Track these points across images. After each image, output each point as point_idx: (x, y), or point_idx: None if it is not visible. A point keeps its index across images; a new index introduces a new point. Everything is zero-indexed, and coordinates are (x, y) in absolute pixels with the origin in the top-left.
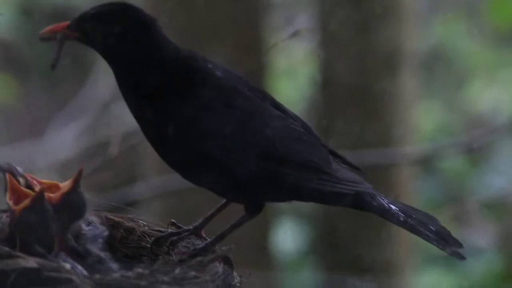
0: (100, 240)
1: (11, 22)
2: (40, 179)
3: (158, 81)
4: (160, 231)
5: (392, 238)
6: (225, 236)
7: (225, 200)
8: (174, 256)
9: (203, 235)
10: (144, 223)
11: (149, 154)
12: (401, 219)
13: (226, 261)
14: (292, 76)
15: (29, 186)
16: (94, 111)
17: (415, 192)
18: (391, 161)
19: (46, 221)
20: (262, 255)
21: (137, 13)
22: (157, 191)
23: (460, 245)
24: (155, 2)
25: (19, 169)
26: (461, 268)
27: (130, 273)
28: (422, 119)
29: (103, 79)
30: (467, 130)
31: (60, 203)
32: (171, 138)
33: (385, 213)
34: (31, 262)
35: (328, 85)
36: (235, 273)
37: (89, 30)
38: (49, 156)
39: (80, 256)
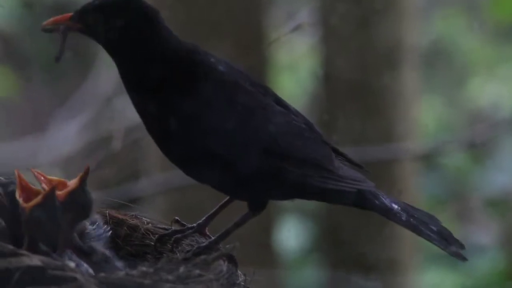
0: (104, 240)
1: (12, 14)
2: (47, 176)
3: (160, 74)
4: (164, 229)
5: (396, 236)
6: (229, 234)
7: (228, 197)
8: (178, 254)
9: (207, 232)
10: (148, 220)
11: (152, 150)
12: (403, 218)
13: (230, 259)
14: (293, 71)
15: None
16: (96, 106)
17: (417, 188)
18: (393, 157)
19: (55, 219)
20: (266, 253)
21: (140, 5)
22: (160, 188)
23: (461, 245)
24: None
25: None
26: (465, 266)
27: (134, 272)
28: (423, 115)
29: (105, 73)
30: (467, 126)
31: (66, 201)
32: (173, 133)
33: (387, 212)
34: (35, 260)
35: (329, 80)
36: (239, 271)
37: (92, 22)
38: (51, 151)
39: (85, 254)
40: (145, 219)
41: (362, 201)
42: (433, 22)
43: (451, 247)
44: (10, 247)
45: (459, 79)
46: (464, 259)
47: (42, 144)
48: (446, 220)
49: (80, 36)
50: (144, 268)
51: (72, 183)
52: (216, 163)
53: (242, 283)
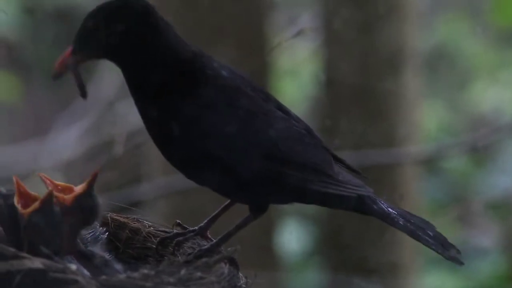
0: (100, 242)
1: (14, 21)
2: (54, 181)
3: (163, 78)
4: (166, 232)
5: (397, 240)
6: (230, 237)
7: (229, 200)
8: (179, 257)
9: (209, 235)
10: (150, 223)
11: (153, 154)
12: (401, 223)
13: (232, 262)
14: (295, 75)
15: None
16: (98, 110)
17: (419, 192)
18: (395, 161)
19: (54, 224)
20: (267, 256)
21: (140, 8)
22: (162, 191)
23: (457, 250)
24: (158, 2)
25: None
26: (466, 269)
27: (135, 274)
28: (425, 119)
29: (107, 78)
30: (469, 130)
31: (73, 205)
32: (176, 137)
33: (385, 217)
34: (36, 263)
35: (331, 85)
36: (240, 274)
37: (92, 28)
38: (53, 155)
39: (86, 259)
40: (146, 222)
41: (361, 206)
42: (435, 27)
43: (448, 252)
44: (12, 249)
45: (461, 84)
46: (461, 263)
47: (44, 148)
48: (448, 224)
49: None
50: (145, 271)
51: (80, 187)
52: (217, 166)
53: (244, 286)
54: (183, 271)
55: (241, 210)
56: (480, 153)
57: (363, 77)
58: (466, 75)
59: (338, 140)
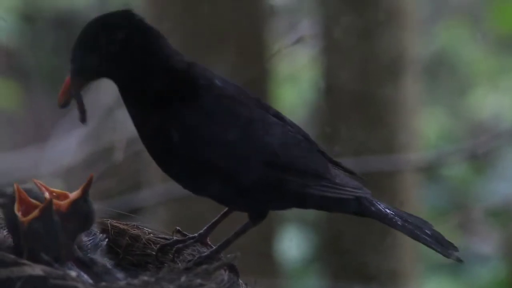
0: (100, 248)
1: (13, 28)
2: (49, 188)
3: (158, 89)
4: (166, 239)
5: (397, 246)
6: (230, 243)
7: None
8: (179, 264)
9: (209, 242)
10: (149, 230)
11: (153, 161)
12: (399, 223)
13: (232, 268)
14: (295, 82)
15: None
16: (98, 117)
17: (419, 199)
18: (395, 168)
19: (54, 232)
20: (267, 262)
21: (138, 19)
22: (161, 198)
23: (455, 248)
24: (159, 8)
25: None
26: (466, 276)
27: (135, 281)
28: (425, 126)
29: (107, 84)
30: (469, 137)
31: (68, 211)
32: (172, 147)
33: (384, 219)
34: (37, 270)
35: (331, 92)
36: (240, 281)
37: (86, 54)
38: (53, 162)
39: (86, 266)
40: (146, 229)
41: (359, 208)
42: (435, 33)
43: (447, 250)
44: (12, 256)
45: (461, 90)
46: (460, 260)
47: (44, 155)
48: (448, 231)
49: None
50: (145, 278)
51: (75, 194)
52: (217, 176)
53: None
54: (183, 278)
55: (241, 216)
56: (480, 160)
57: (363, 84)
58: (466, 81)
59: (338, 147)
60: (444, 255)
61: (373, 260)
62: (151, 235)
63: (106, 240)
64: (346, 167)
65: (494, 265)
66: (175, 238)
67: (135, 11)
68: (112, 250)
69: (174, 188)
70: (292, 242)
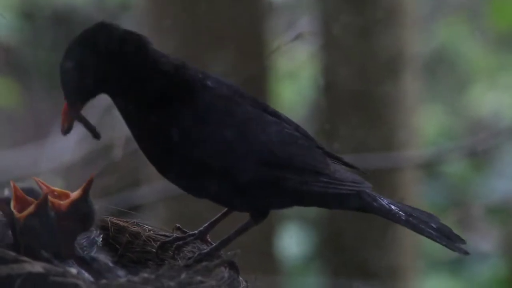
0: (96, 244)
1: (13, 25)
2: (50, 186)
3: (151, 95)
4: (166, 236)
5: (397, 243)
6: (231, 241)
7: None
8: (179, 261)
9: (208, 239)
10: (149, 227)
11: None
12: (403, 218)
13: (232, 266)
14: (294, 79)
15: None
16: (97, 114)
17: (418, 196)
18: (394, 165)
19: (50, 227)
20: (267, 260)
21: (123, 30)
22: (161, 195)
23: (462, 241)
24: (159, 7)
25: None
26: (466, 273)
27: (136, 278)
28: (425, 123)
29: None
30: (469, 134)
31: (68, 211)
32: (169, 151)
33: (387, 214)
34: (37, 267)
35: (330, 89)
36: (240, 278)
37: (76, 75)
38: (52, 159)
39: (86, 263)
40: (146, 226)
41: (362, 204)
42: (435, 31)
43: (452, 243)
44: (12, 253)
45: (460, 87)
46: (466, 253)
47: (43, 152)
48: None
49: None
50: (145, 275)
51: (75, 193)
52: (214, 177)
53: None
54: (183, 275)
55: (242, 215)
56: (480, 157)
57: (362, 81)
58: (465, 78)
59: (337, 144)
60: (450, 249)
61: (373, 257)
62: (151, 232)
63: (101, 236)
64: (347, 162)
65: (493, 262)
66: (175, 235)
67: (109, 22)
68: (112, 247)
69: (174, 185)
70: (293, 239)
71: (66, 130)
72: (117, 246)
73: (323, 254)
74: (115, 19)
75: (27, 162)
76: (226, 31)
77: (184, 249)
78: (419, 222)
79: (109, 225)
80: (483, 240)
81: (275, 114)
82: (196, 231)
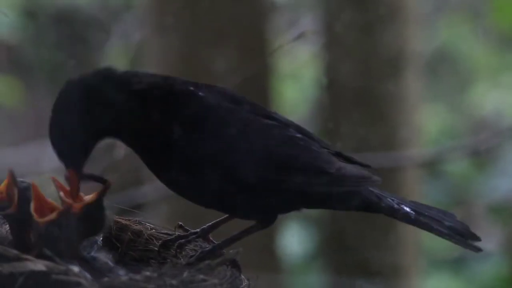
0: (96, 243)
1: (15, 23)
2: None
3: (149, 115)
4: (168, 234)
5: (400, 242)
6: (234, 241)
7: None
8: (181, 259)
9: (211, 238)
10: (152, 226)
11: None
12: (412, 217)
13: (234, 264)
14: (297, 78)
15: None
16: None
17: (420, 195)
18: (396, 164)
19: (68, 236)
20: (269, 258)
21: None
22: (163, 194)
23: (477, 238)
24: (160, 5)
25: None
26: (468, 272)
27: (138, 276)
28: (427, 122)
29: None
30: (471, 133)
31: (80, 214)
32: (171, 166)
33: (394, 213)
34: (39, 265)
35: (333, 87)
36: (243, 276)
37: (70, 133)
38: (54, 158)
39: (87, 263)
40: (148, 224)
41: (367, 203)
42: (437, 29)
43: (464, 240)
44: (14, 251)
45: (462, 86)
46: (478, 250)
47: (45, 151)
48: None
49: (82, 44)
50: (148, 273)
51: (89, 197)
52: (217, 188)
53: None
54: (185, 274)
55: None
56: (482, 156)
57: (364, 79)
58: (467, 77)
59: (339, 143)
60: (462, 246)
61: (375, 255)
62: (153, 230)
63: (101, 236)
64: (357, 161)
65: (495, 261)
66: (177, 233)
67: (77, 77)
68: (114, 245)
69: None
70: (295, 238)
71: (77, 193)
72: (118, 244)
73: (325, 252)
74: (117, 18)
75: (29, 161)
76: (228, 29)
77: (186, 247)
78: (429, 221)
79: (111, 224)
80: (485, 239)
81: (274, 118)
82: (198, 230)
